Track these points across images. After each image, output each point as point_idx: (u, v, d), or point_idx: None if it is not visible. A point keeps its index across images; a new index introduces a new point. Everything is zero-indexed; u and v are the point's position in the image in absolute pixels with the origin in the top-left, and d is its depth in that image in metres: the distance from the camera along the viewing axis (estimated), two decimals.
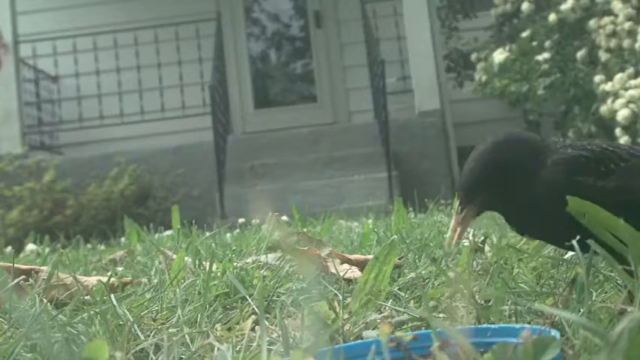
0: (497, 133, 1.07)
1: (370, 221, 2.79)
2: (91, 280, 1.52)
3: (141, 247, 2.67)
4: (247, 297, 1.22)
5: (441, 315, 1.06)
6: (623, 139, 5.46)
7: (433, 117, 7.03)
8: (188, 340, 1.01)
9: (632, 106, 5.46)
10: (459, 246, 1.14)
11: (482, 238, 1.53)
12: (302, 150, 6.97)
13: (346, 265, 1.50)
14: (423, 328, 1.01)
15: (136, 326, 1.08)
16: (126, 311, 1.16)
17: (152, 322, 1.18)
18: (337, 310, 1.07)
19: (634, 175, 0.99)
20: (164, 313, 1.23)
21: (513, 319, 0.99)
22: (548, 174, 1.00)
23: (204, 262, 1.60)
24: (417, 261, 1.56)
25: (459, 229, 1.04)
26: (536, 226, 1.06)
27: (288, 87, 8.93)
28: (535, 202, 1.00)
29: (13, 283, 1.25)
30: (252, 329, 1.06)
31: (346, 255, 1.58)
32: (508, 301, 1.02)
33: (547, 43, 6.52)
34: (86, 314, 1.15)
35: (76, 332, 1.06)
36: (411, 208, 3.11)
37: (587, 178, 0.99)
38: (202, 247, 2.02)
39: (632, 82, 5.57)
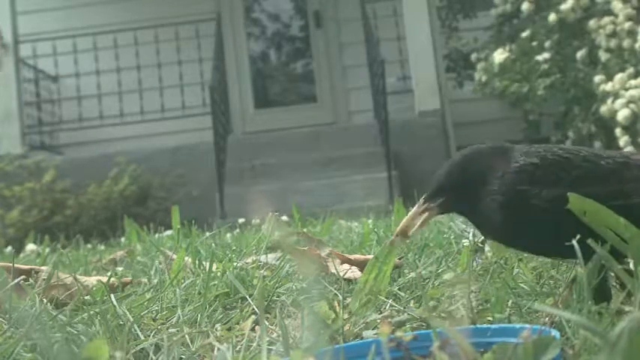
0: (474, 145, 1.15)
1: (370, 221, 2.79)
2: (91, 280, 1.52)
3: (141, 247, 2.67)
4: (247, 297, 1.22)
5: (441, 315, 1.06)
6: (623, 139, 5.46)
7: (433, 117, 7.03)
8: (188, 340, 1.01)
9: (632, 106, 5.46)
10: (409, 238, 1.18)
11: (483, 238, 1.52)
12: (302, 150, 6.97)
13: (346, 265, 1.50)
14: (423, 328, 1.01)
15: (135, 326, 1.08)
16: (126, 311, 1.16)
17: (152, 322, 1.18)
18: (337, 310, 1.07)
19: (580, 183, 0.99)
20: (164, 313, 1.23)
21: (513, 319, 0.99)
22: (497, 186, 1.04)
23: (204, 262, 1.60)
24: (417, 261, 1.56)
25: (417, 223, 1.10)
26: (494, 230, 1.08)
27: (288, 87, 8.93)
28: (488, 211, 1.04)
29: (13, 283, 1.25)
30: (252, 329, 1.06)
31: (346, 255, 1.58)
32: (508, 301, 1.02)
33: (547, 43, 6.52)
34: (86, 314, 1.15)
35: (76, 332, 1.06)
36: (410, 208, 3.10)
37: (532, 187, 1.01)
38: (202, 247, 2.02)
39: (632, 82, 5.56)
